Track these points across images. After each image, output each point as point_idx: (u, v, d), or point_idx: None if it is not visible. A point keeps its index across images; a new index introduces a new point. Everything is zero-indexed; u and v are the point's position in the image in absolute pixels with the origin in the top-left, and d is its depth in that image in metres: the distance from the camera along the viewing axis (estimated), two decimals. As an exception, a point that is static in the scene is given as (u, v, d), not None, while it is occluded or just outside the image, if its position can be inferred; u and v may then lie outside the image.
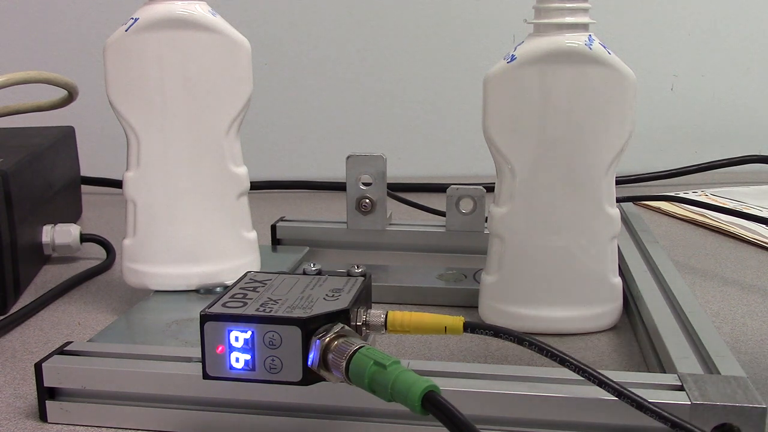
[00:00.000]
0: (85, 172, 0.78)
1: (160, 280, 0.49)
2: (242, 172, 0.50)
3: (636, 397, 0.31)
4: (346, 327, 0.33)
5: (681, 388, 0.33)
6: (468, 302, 0.51)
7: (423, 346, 0.46)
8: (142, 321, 0.46)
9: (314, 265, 0.41)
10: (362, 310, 0.35)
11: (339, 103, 1.05)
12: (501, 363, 0.44)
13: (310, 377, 0.32)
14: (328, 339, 0.32)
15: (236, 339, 0.32)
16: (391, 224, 0.61)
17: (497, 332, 0.34)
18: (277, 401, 0.36)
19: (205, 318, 0.33)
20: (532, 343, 0.33)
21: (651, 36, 1.05)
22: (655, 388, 0.33)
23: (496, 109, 0.45)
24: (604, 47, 0.44)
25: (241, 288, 0.36)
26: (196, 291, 0.50)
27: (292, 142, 1.07)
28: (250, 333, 0.32)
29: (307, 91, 1.05)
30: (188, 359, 0.37)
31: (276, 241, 0.62)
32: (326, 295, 0.35)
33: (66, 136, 0.75)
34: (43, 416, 0.37)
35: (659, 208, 0.79)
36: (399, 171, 0.95)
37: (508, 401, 0.34)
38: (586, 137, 0.44)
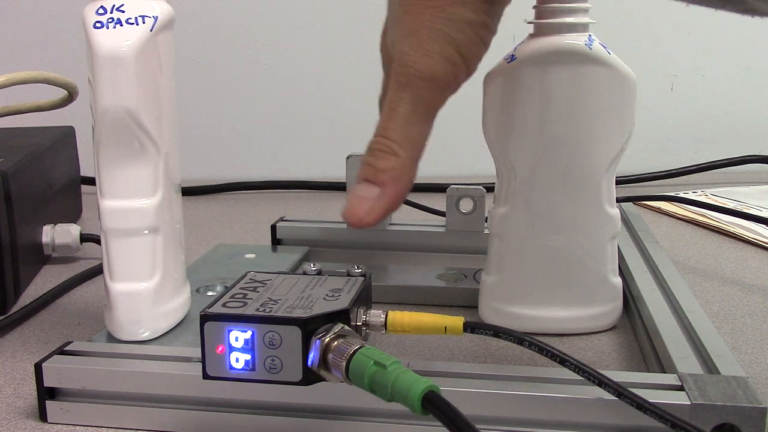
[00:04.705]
0: (85, 172, 0.78)
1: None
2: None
3: (636, 397, 0.31)
4: (346, 327, 0.33)
5: (681, 388, 0.33)
6: (468, 302, 0.51)
7: (423, 346, 0.46)
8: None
9: (314, 265, 0.41)
10: (362, 310, 0.35)
11: (339, 103, 1.05)
12: (501, 363, 0.44)
13: (310, 377, 0.32)
14: (328, 339, 0.32)
15: (236, 339, 0.32)
16: (391, 224, 0.61)
17: (497, 332, 0.34)
18: (277, 401, 0.36)
19: (205, 318, 0.33)
20: (532, 343, 0.33)
21: (651, 36, 1.05)
22: (655, 388, 0.33)
23: (496, 109, 0.45)
24: (604, 47, 0.44)
25: (241, 288, 0.36)
26: (196, 290, 0.49)
27: (292, 142, 1.07)
28: (250, 333, 0.32)
29: (306, 91, 1.05)
30: (188, 359, 0.37)
31: (276, 241, 0.62)
32: (326, 295, 0.35)
33: (66, 136, 0.75)
34: (43, 416, 0.37)
35: (659, 208, 0.79)
36: (399, 171, 0.95)
37: (508, 401, 0.34)
38: (585, 137, 0.44)
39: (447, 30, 0.34)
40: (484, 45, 0.35)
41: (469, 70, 0.35)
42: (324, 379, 0.32)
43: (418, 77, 0.34)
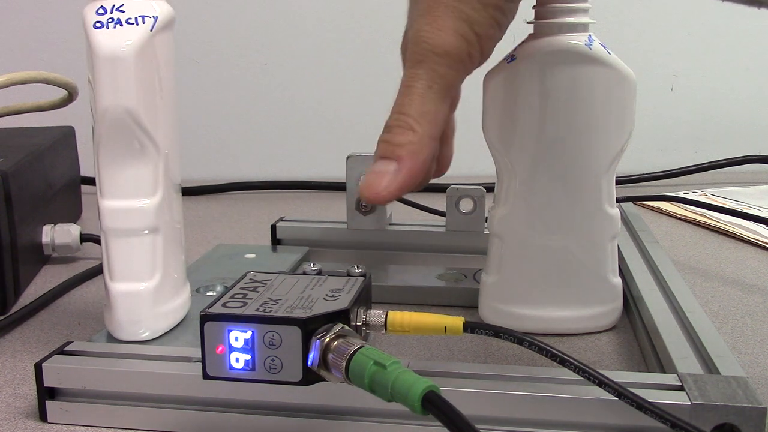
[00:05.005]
0: (85, 172, 0.78)
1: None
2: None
3: (636, 397, 0.31)
4: (346, 327, 0.33)
5: (681, 388, 0.33)
6: (468, 302, 0.51)
7: (423, 346, 0.46)
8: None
9: (314, 265, 0.41)
10: (362, 310, 0.35)
11: (339, 103, 1.05)
12: (501, 363, 0.44)
13: (310, 377, 0.32)
14: (328, 339, 0.32)
15: (236, 339, 0.32)
16: (391, 224, 0.61)
17: (497, 332, 0.34)
18: (277, 401, 0.36)
19: (205, 318, 0.33)
20: (532, 343, 0.33)
21: (651, 36, 1.05)
22: (655, 388, 0.33)
23: (495, 109, 0.45)
24: (604, 47, 0.44)
25: (241, 288, 0.36)
26: (196, 290, 0.49)
27: (292, 142, 1.07)
28: (250, 333, 0.32)
29: (306, 91, 1.05)
30: (188, 359, 0.37)
31: (276, 241, 0.62)
32: (326, 295, 0.35)
33: (66, 136, 0.75)
34: (43, 416, 0.37)
35: (659, 208, 0.79)
36: (399, 171, 0.95)
37: (508, 401, 0.34)
38: (585, 137, 0.44)
39: (462, 7, 0.34)
40: (499, 27, 0.36)
41: (483, 51, 0.36)
42: (324, 379, 0.32)
43: (433, 52, 0.35)
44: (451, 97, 0.36)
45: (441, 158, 0.42)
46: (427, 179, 0.39)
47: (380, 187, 0.35)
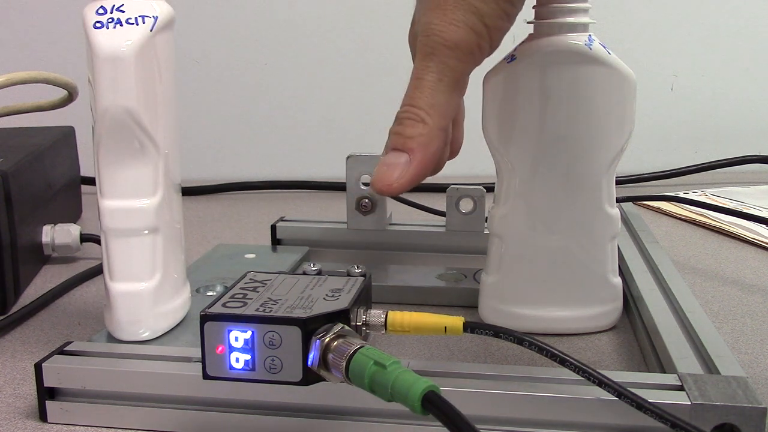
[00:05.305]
0: (85, 172, 0.78)
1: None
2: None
3: (636, 397, 0.31)
4: (346, 327, 0.33)
5: (681, 388, 0.33)
6: (468, 302, 0.51)
7: (423, 346, 0.46)
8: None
9: (314, 265, 0.41)
10: (362, 310, 0.35)
11: (339, 103, 1.06)
12: (501, 363, 0.44)
13: (310, 377, 0.32)
14: (328, 339, 0.32)
15: (236, 339, 0.32)
16: (391, 224, 0.61)
17: (497, 332, 0.34)
18: (277, 401, 0.36)
19: (205, 318, 0.33)
20: (532, 343, 0.33)
21: (651, 36, 1.05)
22: (655, 388, 0.33)
23: (495, 109, 0.45)
24: (604, 47, 0.44)
25: (241, 288, 0.36)
26: (196, 290, 0.49)
27: (292, 142, 1.07)
28: (250, 333, 0.32)
29: (307, 91, 1.05)
30: (188, 359, 0.37)
31: (276, 241, 0.62)
32: (326, 295, 0.35)
33: (66, 136, 0.75)
34: (43, 416, 0.37)
35: (659, 208, 0.79)
36: (399, 171, 0.95)
37: (508, 401, 0.34)
38: (585, 137, 0.44)
39: (471, 1, 0.35)
40: (508, 19, 0.36)
41: (492, 42, 0.36)
42: (324, 379, 0.32)
43: (443, 45, 0.35)
44: (460, 88, 0.37)
45: (452, 142, 0.42)
46: (439, 168, 0.39)
47: (392, 179, 0.35)
